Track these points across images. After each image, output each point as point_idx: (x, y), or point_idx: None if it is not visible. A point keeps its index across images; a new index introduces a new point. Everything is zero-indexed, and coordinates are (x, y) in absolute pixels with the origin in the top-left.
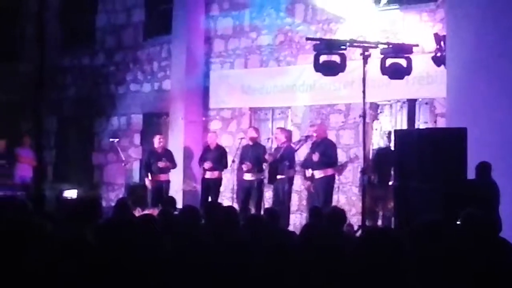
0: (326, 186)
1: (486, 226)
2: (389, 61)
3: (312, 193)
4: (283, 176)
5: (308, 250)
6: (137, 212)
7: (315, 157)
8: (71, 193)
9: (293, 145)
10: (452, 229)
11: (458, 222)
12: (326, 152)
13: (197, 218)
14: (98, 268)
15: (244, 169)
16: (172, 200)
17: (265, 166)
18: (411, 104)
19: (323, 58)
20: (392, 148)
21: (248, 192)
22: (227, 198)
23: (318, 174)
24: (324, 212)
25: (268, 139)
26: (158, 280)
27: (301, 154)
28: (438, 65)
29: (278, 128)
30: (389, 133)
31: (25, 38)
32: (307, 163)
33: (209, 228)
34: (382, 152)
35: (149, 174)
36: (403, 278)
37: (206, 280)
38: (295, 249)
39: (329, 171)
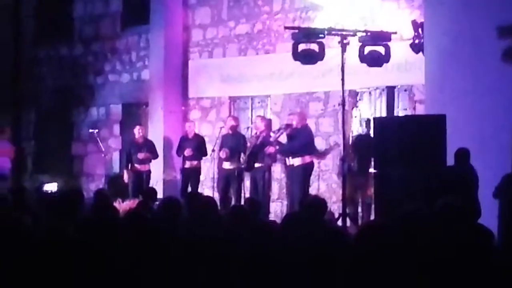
0: (304, 174)
1: (465, 214)
2: (367, 49)
3: (292, 181)
4: (261, 165)
5: (289, 240)
6: (118, 203)
7: (271, 149)
8: (51, 186)
9: (272, 134)
10: (431, 218)
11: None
12: (301, 142)
13: (177, 209)
14: (79, 263)
15: (222, 156)
16: (153, 191)
17: (243, 154)
18: (390, 91)
19: (301, 46)
20: (372, 136)
21: (227, 181)
22: (208, 187)
23: (296, 161)
24: (302, 200)
25: (248, 128)
26: (141, 273)
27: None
28: (416, 52)
29: (257, 116)
30: (368, 120)
31: (1, 29)
32: (285, 151)
33: (190, 219)
34: (361, 140)
35: (129, 165)
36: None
37: (189, 273)
38: (276, 238)
39: (307, 159)
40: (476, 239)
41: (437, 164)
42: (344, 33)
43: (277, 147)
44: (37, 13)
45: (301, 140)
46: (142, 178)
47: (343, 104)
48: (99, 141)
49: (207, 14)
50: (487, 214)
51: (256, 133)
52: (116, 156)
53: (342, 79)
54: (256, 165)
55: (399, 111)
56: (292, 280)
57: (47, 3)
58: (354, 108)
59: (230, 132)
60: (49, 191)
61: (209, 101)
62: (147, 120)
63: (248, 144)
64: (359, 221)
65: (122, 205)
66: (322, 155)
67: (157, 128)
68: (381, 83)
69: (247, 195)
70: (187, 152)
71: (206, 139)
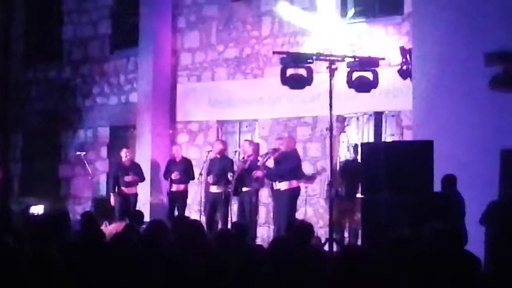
0: (290, 198)
1: (452, 241)
2: (355, 74)
3: (278, 206)
4: (249, 189)
5: (276, 264)
6: (104, 226)
7: (259, 173)
8: (37, 209)
9: (260, 158)
10: (418, 244)
11: (423, 236)
12: (288, 167)
13: (164, 232)
14: (64, 285)
15: (210, 181)
16: (140, 214)
17: (230, 177)
18: (378, 117)
19: (290, 71)
20: (359, 161)
21: (214, 205)
22: (194, 211)
23: (283, 186)
24: (287, 224)
25: (235, 151)
26: None
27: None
28: (404, 78)
29: (245, 140)
30: (356, 145)
31: None
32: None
33: (176, 242)
34: (349, 165)
35: (116, 188)
36: None
37: None
38: (263, 263)
39: (294, 183)
40: (464, 265)
41: (424, 190)
42: (332, 58)
43: (265, 171)
44: (26, 35)
45: (289, 164)
46: (129, 201)
47: (330, 129)
48: (86, 163)
49: (196, 38)
50: (474, 241)
51: (243, 157)
52: (103, 178)
53: (330, 104)
54: (244, 189)
55: (387, 137)
56: None
57: (36, 25)
58: (342, 133)
59: (218, 156)
60: (35, 214)
61: (197, 125)
62: (135, 143)
63: (235, 168)
64: None
65: (109, 228)
66: (310, 179)
67: (144, 151)
68: (369, 108)
69: (234, 219)
70: (174, 175)
71: (193, 162)
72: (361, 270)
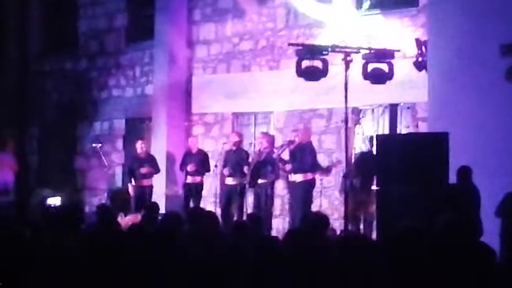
0: (305, 190)
1: (467, 232)
2: (371, 66)
3: (294, 198)
4: (264, 181)
5: (292, 255)
6: (120, 218)
7: (287, 167)
8: (54, 200)
9: (275, 150)
10: (432, 235)
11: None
12: (301, 159)
13: (179, 224)
14: (79, 275)
15: (225, 173)
16: (155, 206)
17: (246, 169)
18: (393, 109)
19: (305, 63)
20: (374, 153)
21: (230, 197)
22: (210, 202)
23: (298, 178)
24: (304, 217)
25: (251, 144)
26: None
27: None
28: (420, 70)
29: (261, 132)
30: (371, 137)
31: (8, 43)
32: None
33: (192, 234)
34: (364, 157)
35: (132, 180)
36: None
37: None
38: (278, 254)
39: (309, 175)
40: (479, 257)
41: (440, 182)
42: (347, 50)
43: (291, 164)
44: (43, 28)
45: (310, 157)
46: (144, 193)
47: (346, 121)
48: (102, 155)
49: (211, 30)
50: (489, 232)
51: (259, 149)
52: (119, 170)
53: (345, 96)
54: (259, 181)
55: (402, 129)
56: None
57: (53, 18)
58: (357, 125)
59: (234, 148)
60: (52, 205)
61: (212, 117)
62: (151, 135)
63: (250, 160)
64: None
65: (125, 219)
66: (326, 171)
67: (160, 143)
68: (384, 100)
69: (249, 211)
70: (190, 167)
71: (209, 154)
72: (364, 259)
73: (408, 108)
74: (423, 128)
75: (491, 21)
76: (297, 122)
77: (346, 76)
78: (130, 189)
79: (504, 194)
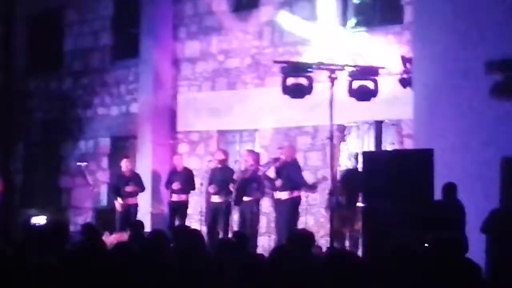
0: (292, 208)
1: (453, 249)
2: (356, 83)
3: (280, 215)
4: (250, 198)
5: (277, 273)
6: (106, 236)
7: (278, 183)
8: (39, 219)
9: (261, 168)
10: (419, 252)
11: (425, 245)
12: (289, 176)
13: (165, 242)
14: None
15: (211, 191)
16: (140, 224)
17: (232, 187)
18: (378, 126)
19: (290, 80)
20: (360, 170)
21: (215, 215)
22: (195, 220)
23: (283, 195)
24: (290, 234)
25: (236, 161)
26: None
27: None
28: (405, 87)
29: (246, 150)
30: (357, 154)
31: None
32: (273, 186)
33: (177, 252)
34: (350, 174)
35: (118, 198)
36: None
37: None
38: (264, 272)
39: (295, 193)
40: (465, 273)
41: (425, 198)
42: (332, 67)
43: (282, 180)
44: (28, 46)
45: (298, 173)
46: (130, 211)
47: (331, 138)
48: (87, 174)
49: (196, 48)
50: (475, 249)
51: (244, 167)
52: (104, 189)
53: (331, 113)
54: (245, 198)
55: (387, 146)
56: None
57: (38, 36)
58: (342, 142)
59: (219, 165)
60: (37, 224)
61: (197, 135)
62: (136, 153)
63: (236, 178)
64: None
65: (110, 238)
66: (312, 188)
67: (145, 161)
68: (369, 117)
69: (235, 228)
70: (176, 185)
71: (194, 172)
72: (351, 276)
73: (393, 124)
74: (408, 144)
75: (476, 38)
76: (283, 140)
77: (331, 93)
78: (117, 206)
79: (489, 210)
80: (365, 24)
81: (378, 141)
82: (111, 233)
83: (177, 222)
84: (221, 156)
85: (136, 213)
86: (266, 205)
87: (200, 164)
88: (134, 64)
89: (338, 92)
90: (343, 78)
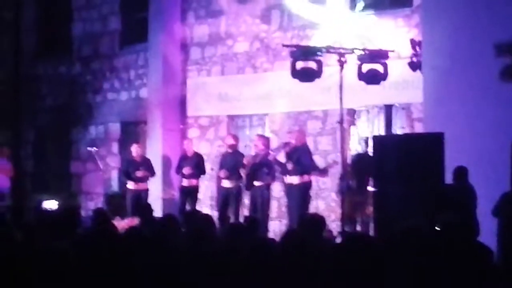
0: (303, 192)
1: (464, 233)
2: (365, 67)
3: (291, 200)
4: (261, 183)
5: (288, 257)
6: (117, 221)
7: (289, 166)
8: (50, 204)
9: (271, 152)
10: (430, 235)
11: (436, 228)
12: (300, 160)
13: (176, 227)
14: (75, 279)
15: (221, 176)
16: (148, 207)
17: (242, 172)
18: (388, 110)
19: (299, 64)
20: (370, 154)
21: (226, 199)
22: (206, 205)
23: (294, 180)
24: (301, 218)
25: (246, 146)
26: None
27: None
28: (414, 70)
29: (257, 135)
30: (367, 138)
31: (1, 47)
32: (284, 170)
33: (188, 237)
34: (360, 158)
35: (129, 183)
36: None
37: None
38: (275, 256)
39: (306, 177)
40: (476, 257)
41: (436, 182)
42: (342, 51)
43: (294, 165)
44: (36, 32)
45: (308, 158)
46: (140, 197)
47: (341, 122)
48: (97, 159)
49: (205, 32)
50: (486, 232)
51: (255, 151)
52: (114, 174)
53: (340, 97)
54: (255, 183)
55: (397, 129)
56: None
57: (46, 21)
58: (352, 126)
59: (230, 150)
60: (48, 209)
61: (207, 120)
62: (146, 138)
63: (246, 163)
64: None
65: (121, 223)
66: (322, 173)
67: (155, 147)
68: (379, 101)
69: (246, 213)
70: (186, 170)
71: (204, 157)
72: (367, 258)
73: (403, 108)
74: (418, 128)
75: (486, 20)
76: (293, 124)
77: (340, 77)
78: (126, 193)
79: (500, 193)
80: (374, 7)
81: (388, 125)
82: (122, 218)
83: (188, 207)
84: (231, 141)
85: (147, 198)
86: (277, 189)
87: (210, 149)
88: (143, 48)
89: (348, 76)
90: (352, 62)
